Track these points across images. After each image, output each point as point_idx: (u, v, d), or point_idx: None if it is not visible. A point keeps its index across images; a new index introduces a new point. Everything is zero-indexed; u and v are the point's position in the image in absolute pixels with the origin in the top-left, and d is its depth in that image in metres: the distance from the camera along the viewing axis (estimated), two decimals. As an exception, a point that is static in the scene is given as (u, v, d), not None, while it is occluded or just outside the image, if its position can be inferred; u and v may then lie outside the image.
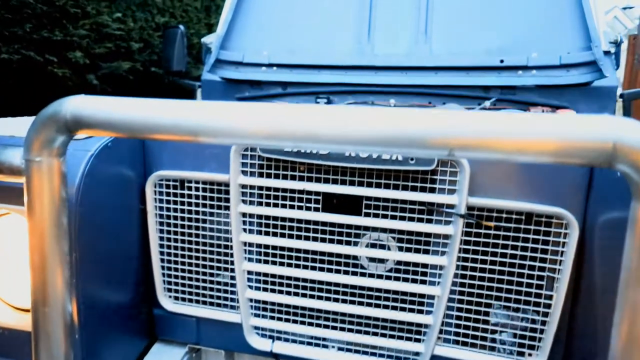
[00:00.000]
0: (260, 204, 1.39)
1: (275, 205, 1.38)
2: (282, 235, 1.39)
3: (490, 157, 0.73)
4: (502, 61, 2.58)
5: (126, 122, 0.85)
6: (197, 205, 1.45)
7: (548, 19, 2.60)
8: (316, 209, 1.34)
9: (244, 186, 1.39)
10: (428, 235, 1.31)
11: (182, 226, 1.49)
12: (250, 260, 1.44)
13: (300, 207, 1.36)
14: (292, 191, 1.36)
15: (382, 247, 1.36)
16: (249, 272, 1.45)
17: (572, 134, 0.68)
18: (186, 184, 1.44)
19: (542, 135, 0.69)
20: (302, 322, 1.44)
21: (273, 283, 1.46)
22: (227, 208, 1.42)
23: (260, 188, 1.38)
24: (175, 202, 1.47)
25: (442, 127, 0.75)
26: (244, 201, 1.40)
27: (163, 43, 3.26)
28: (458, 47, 2.70)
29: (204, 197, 1.45)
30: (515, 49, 2.60)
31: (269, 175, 1.37)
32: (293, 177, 1.34)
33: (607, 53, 2.51)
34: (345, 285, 1.39)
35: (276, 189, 1.37)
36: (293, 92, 2.93)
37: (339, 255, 1.38)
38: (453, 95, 2.71)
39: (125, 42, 3.72)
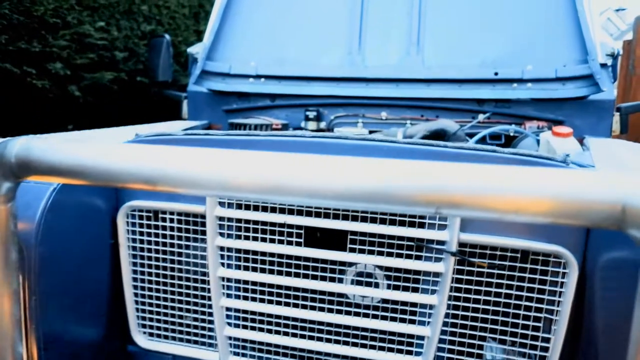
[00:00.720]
0: (238, 237, 1.30)
1: (255, 239, 1.29)
2: (262, 270, 1.30)
3: (483, 217, 0.65)
4: (496, 74, 2.50)
5: (77, 167, 0.76)
6: (172, 237, 1.36)
7: (543, 31, 2.52)
8: (298, 243, 1.25)
9: (221, 218, 1.30)
10: (417, 272, 1.22)
11: (157, 259, 1.40)
12: (228, 296, 1.35)
13: (281, 242, 1.27)
14: (273, 224, 1.27)
15: (369, 275, 1.27)
16: (228, 309, 1.36)
17: (576, 193, 0.60)
18: (160, 215, 1.35)
19: (541, 194, 0.61)
20: None
21: (253, 320, 1.36)
22: (204, 241, 1.33)
23: (239, 220, 1.29)
24: (149, 234, 1.37)
25: (428, 181, 0.66)
26: (221, 234, 1.31)
27: (148, 52, 3.17)
28: (451, 59, 2.62)
29: (180, 229, 1.35)
30: (509, 61, 2.52)
31: (247, 207, 1.27)
32: (273, 210, 1.25)
33: (603, 66, 2.44)
34: (330, 324, 1.30)
35: (255, 222, 1.28)
36: (282, 105, 2.85)
37: (322, 292, 1.29)
38: (446, 108, 2.63)
39: (109, 51, 3.62)
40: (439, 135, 2.19)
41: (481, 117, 2.59)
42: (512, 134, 2.28)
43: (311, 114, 2.74)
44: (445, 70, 2.59)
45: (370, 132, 2.75)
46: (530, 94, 2.46)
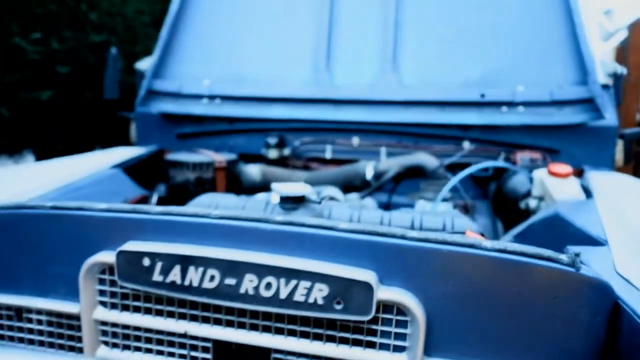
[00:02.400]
0: (126, 347, 0.95)
1: (149, 350, 0.94)
2: None
3: None
4: (483, 95, 2.18)
5: None
6: (41, 344, 1.01)
7: (536, 47, 2.20)
8: None
9: (102, 323, 0.95)
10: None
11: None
12: None
13: (183, 356, 0.92)
14: (171, 334, 0.93)
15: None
16: None
17: None
18: (24, 315, 1.00)
19: None
20: None
21: None
22: (81, 350, 0.98)
23: (126, 327, 0.94)
24: (11, 339, 1.02)
25: None
26: (104, 343, 0.96)
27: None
28: (432, 78, 2.29)
29: (50, 334, 1.00)
30: (498, 81, 2.20)
31: (137, 310, 0.93)
32: (171, 315, 0.91)
33: (605, 87, 2.12)
34: None
35: (148, 330, 0.94)
36: (240, 129, 2.50)
37: None
38: (426, 134, 2.30)
39: (49, 66, 3.23)
40: (416, 172, 1.86)
41: (466, 145, 2.26)
42: (500, 167, 1.95)
43: (272, 141, 2.39)
44: (425, 90, 2.26)
45: (337, 161, 2.42)
46: (521, 119, 2.14)
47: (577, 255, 0.75)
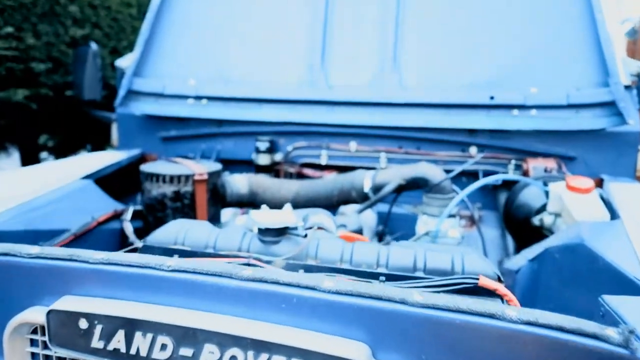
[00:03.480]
0: None
1: None
2: None
3: None
4: (492, 98, 1.99)
5: None
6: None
7: (552, 45, 2.00)
8: None
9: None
10: None
11: None
12: None
13: None
14: None
15: None
16: None
17: None
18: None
19: None
20: None
21: None
22: None
23: None
24: None
25: None
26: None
27: (72, 66, 2.62)
28: (436, 79, 2.10)
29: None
30: (509, 82, 2.01)
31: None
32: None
33: (627, 88, 1.93)
34: None
35: None
36: (229, 132, 2.32)
37: None
38: (429, 139, 2.12)
39: (23, 63, 3.02)
40: (418, 185, 1.68)
41: (473, 152, 2.08)
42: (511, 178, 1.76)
43: (262, 146, 2.21)
44: (429, 92, 2.07)
45: (333, 168, 2.24)
46: (534, 124, 1.95)
47: (632, 332, 0.58)
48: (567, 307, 1.21)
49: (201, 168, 1.62)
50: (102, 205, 1.62)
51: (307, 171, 2.28)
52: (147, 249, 1.02)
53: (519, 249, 1.92)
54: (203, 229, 1.03)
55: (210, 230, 1.02)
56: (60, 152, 4.20)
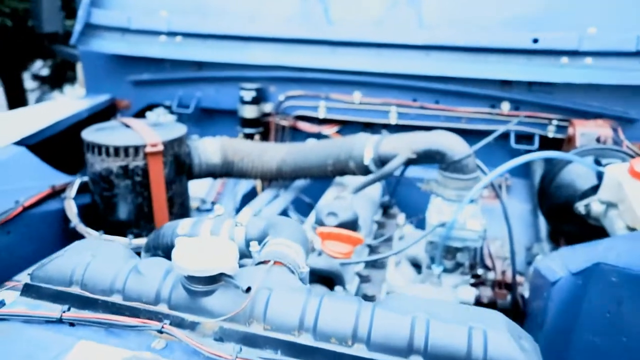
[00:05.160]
0: None
1: None
2: None
3: None
4: (535, 40, 1.55)
5: None
6: None
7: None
8: None
9: None
10: None
11: None
12: None
13: None
14: None
15: None
16: None
17: None
18: None
19: None
20: None
21: None
22: None
23: None
24: None
25: None
26: None
27: (29, -9, 2.20)
28: (463, 15, 1.66)
29: None
30: (559, 21, 1.56)
31: None
32: None
33: None
34: None
35: None
36: (209, 77, 1.93)
37: None
38: (451, 92, 1.71)
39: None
40: (433, 158, 1.31)
41: (506, 108, 1.67)
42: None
43: (248, 95, 1.84)
44: (453, 32, 1.65)
45: (333, 122, 1.85)
46: (589, 76, 1.53)
47: None
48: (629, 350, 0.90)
49: (155, 136, 1.27)
50: (40, 179, 1.31)
51: (303, 125, 1.92)
52: (31, 289, 0.72)
53: (552, 233, 1.58)
54: (111, 264, 0.72)
55: (121, 265, 0.71)
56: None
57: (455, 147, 1.28)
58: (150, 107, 2.04)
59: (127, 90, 2.04)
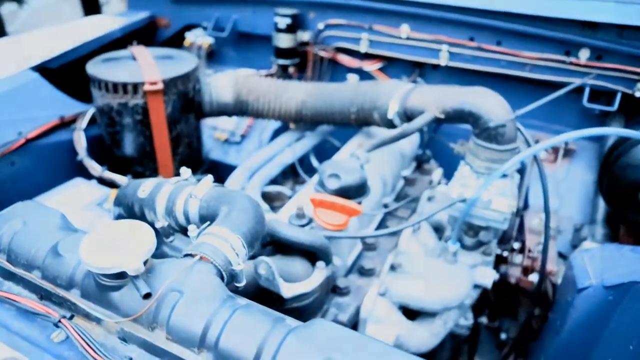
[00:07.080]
0: None
1: None
2: None
3: None
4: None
5: None
6: None
7: None
8: None
9: None
10: None
11: None
12: None
13: None
14: None
15: None
16: None
17: None
18: None
19: None
20: None
21: None
22: None
23: None
24: None
25: None
26: None
27: None
28: None
29: None
30: None
31: None
32: None
33: None
34: None
35: None
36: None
37: None
38: (517, 32, 1.40)
39: None
40: (466, 120, 1.11)
41: (583, 59, 1.35)
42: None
43: (282, 22, 1.66)
44: None
45: (376, 58, 1.62)
46: None
47: None
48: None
49: (155, 73, 1.18)
50: (51, 109, 1.30)
51: (343, 58, 1.72)
52: None
53: (611, 217, 1.33)
54: (38, 236, 0.66)
55: (46, 239, 0.66)
56: None
57: (494, 110, 1.05)
58: (189, 28, 1.93)
59: (165, 8, 1.94)
